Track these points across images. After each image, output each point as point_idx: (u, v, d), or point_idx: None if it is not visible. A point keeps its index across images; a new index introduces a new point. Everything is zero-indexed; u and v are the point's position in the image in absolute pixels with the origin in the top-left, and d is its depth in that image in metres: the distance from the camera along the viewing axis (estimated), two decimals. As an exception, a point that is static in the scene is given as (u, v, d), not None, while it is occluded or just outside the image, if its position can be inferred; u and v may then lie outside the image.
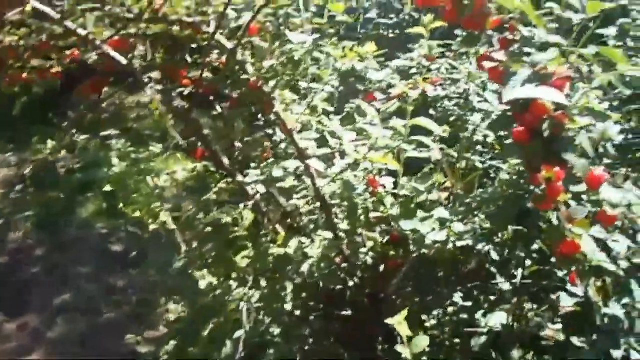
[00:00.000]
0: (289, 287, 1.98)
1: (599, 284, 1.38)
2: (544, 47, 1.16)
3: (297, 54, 1.75)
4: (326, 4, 1.78)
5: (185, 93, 2.13)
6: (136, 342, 3.99)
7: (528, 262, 2.21)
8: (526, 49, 1.18)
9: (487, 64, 1.17)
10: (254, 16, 1.78)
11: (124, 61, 1.82)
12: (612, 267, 1.35)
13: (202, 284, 1.88)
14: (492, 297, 2.53)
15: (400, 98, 2.24)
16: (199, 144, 2.27)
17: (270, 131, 2.31)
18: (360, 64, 2.23)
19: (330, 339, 2.44)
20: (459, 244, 1.97)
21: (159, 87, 1.83)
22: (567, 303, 1.66)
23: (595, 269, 1.34)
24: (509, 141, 1.23)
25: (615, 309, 1.46)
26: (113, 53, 1.80)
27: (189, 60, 2.15)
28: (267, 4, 1.75)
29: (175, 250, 2.12)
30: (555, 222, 1.30)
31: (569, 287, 1.79)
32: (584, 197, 1.29)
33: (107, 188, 5.13)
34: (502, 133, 1.86)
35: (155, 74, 2.05)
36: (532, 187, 1.94)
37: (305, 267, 1.88)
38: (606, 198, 1.27)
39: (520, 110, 1.16)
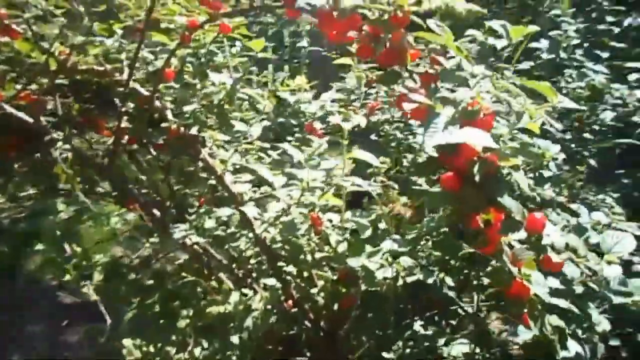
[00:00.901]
0: (235, 341, 1.84)
1: (554, 322, 1.30)
2: (466, 80, 1.08)
3: (216, 96, 1.64)
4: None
5: (109, 143, 2.00)
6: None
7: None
8: (447, 85, 1.10)
9: (408, 106, 1.07)
10: (167, 60, 1.66)
11: (29, 119, 1.67)
12: (564, 304, 1.27)
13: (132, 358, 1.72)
14: (453, 322, 2.46)
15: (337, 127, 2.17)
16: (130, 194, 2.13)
17: (205, 175, 2.18)
18: (293, 97, 2.13)
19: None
20: (410, 279, 1.88)
21: (67, 145, 1.68)
22: (525, 337, 1.57)
23: (548, 307, 1.26)
24: (436, 189, 1.14)
25: (574, 345, 1.38)
26: (15, 112, 1.65)
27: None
28: (178, 47, 1.63)
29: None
30: (500, 264, 1.21)
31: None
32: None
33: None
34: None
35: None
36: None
37: (249, 322, 1.75)
38: (550, 243, 1.19)
39: (448, 152, 1.07)
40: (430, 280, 1.88)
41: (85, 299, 2.46)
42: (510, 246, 1.18)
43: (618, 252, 1.30)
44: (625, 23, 3.18)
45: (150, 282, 2.39)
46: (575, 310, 1.33)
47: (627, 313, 1.38)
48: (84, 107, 1.91)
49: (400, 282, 1.89)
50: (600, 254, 1.32)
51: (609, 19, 3.12)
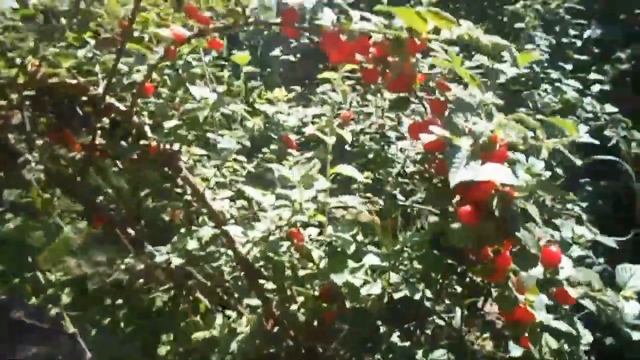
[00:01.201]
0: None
1: (553, 345, 1.31)
2: (479, 109, 1.07)
3: (201, 113, 1.57)
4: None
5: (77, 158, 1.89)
6: None
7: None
8: (460, 113, 1.08)
9: (426, 137, 1.05)
10: (148, 74, 1.58)
11: (-5, 137, 1.56)
12: (564, 327, 1.28)
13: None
14: (428, 332, 2.48)
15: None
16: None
17: (179, 190, 2.10)
18: (271, 108, 2.08)
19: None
20: (397, 295, 1.86)
21: (41, 166, 1.57)
22: (516, 353, 1.58)
23: (548, 330, 1.27)
24: (456, 225, 1.13)
25: (570, 367, 1.40)
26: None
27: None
28: (160, 61, 1.55)
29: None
30: (505, 291, 1.21)
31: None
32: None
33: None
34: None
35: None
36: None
37: (234, 346, 1.69)
38: (566, 277, 1.20)
39: (466, 185, 1.04)
40: (417, 296, 1.87)
41: (55, 322, 2.32)
42: (515, 273, 1.18)
43: (634, 287, 1.31)
44: (585, 35, 3.30)
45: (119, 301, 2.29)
46: (572, 331, 1.35)
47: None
48: (54, 122, 1.79)
49: (387, 298, 1.88)
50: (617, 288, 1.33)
51: (572, 32, 3.23)
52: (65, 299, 2.03)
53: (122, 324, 2.28)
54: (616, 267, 1.37)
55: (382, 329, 2.36)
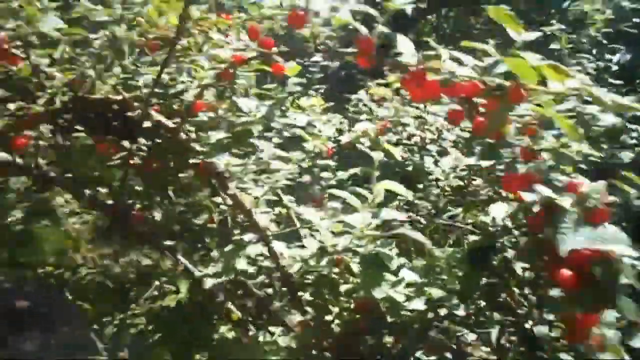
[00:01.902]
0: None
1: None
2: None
3: (254, 128, 1.52)
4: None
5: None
6: None
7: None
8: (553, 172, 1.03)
9: (528, 197, 1.00)
10: (199, 94, 1.53)
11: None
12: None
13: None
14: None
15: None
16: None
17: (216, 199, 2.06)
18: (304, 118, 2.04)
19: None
20: (442, 312, 1.85)
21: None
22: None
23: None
24: (554, 292, 1.09)
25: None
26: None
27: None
28: (216, 82, 1.50)
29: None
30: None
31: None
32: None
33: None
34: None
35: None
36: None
37: (275, 360, 1.68)
38: None
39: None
40: (461, 312, 1.86)
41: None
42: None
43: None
44: (614, 59, 3.24)
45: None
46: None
47: None
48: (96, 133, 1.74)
49: (431, 314, 1.86)
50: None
51: (608, 56, 3.17)
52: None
53: (148, 327, 2.27)
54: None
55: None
